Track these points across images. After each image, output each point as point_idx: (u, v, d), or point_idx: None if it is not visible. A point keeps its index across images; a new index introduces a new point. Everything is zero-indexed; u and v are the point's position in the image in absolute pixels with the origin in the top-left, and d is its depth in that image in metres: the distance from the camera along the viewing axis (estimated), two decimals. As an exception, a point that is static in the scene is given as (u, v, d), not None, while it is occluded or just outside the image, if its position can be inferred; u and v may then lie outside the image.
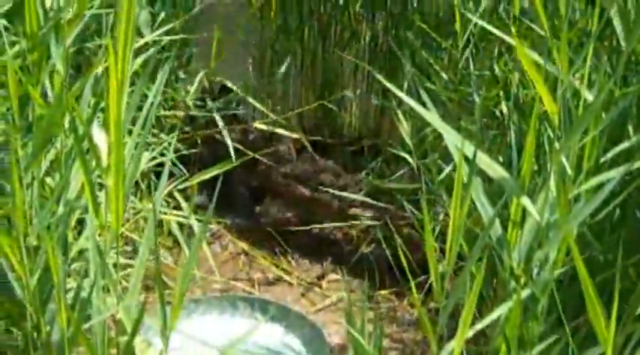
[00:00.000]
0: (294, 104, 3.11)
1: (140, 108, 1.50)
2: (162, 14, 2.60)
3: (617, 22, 1.43)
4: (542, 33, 1.46)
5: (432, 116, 1.33)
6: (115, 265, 1.47)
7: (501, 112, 2.28)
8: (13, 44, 1.52)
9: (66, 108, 1.33)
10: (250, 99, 2.87)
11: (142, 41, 2.07)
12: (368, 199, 2.60)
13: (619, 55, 1.59)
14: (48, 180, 1.54)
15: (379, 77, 1.51)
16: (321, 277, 2.63)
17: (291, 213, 2.80)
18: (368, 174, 2.84)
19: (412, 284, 1.30)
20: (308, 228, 2.75)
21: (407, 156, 2.52)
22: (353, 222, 2.73)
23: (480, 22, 1.67)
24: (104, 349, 1.46)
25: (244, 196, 2.91)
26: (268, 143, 2.92)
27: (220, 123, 2.75)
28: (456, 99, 2.45)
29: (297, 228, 2.76)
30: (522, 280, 1.39)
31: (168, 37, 2.51)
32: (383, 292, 2.55)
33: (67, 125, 1.54)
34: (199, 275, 2.56)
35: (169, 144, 2.34)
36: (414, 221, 2.50)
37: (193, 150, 2.76)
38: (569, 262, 1.50)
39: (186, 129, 2.79)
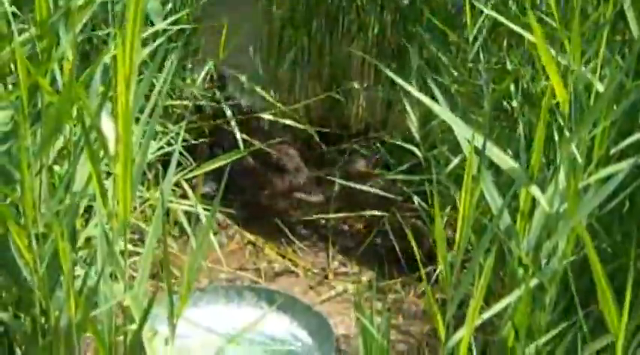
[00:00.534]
0: (300, 96, 3.11)
1: (148, 98, 1.50)
2: (170, 4, 2.60)
3: (630, 14, 1.43)
4: (555, 24, 1.46)
5: (440, 108, 1.33)
6: (122, 253, 1.47)
7: (510, 105, 2.28)
8: (21, 31, 1.51)
9: (75, 97, 1.33)
10: (258, 90, 2.87)
11: (150, 30, 2.06)
12: (376, 190, 2.60)
13: (631, 46, 1.59)
14: (56, 168, 1.54)
15: (387, 71, 1.50)
16: (327, 268, 2.63)
17: (297, 204, 2.81)
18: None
19: (422, 272, 1.30)
20: (314, 217, 2.75)
21: (414, 149, 2.52)
22: (360, 213, 2.73)
23: (492, 14, 1.66)
24: (111, 336, 1.46)
25: (251, 187, 2.91)
26: (275, 134, 2.92)
27: (228, 114, 2.75)
28: (465, 92, 2.44)
29: (303, 218, 2.76)
30: (531, 270, 1.39)
31: (176, 27, 2.50)
32: (389, 283, 2.55)
33: (75, 113, 1.54)
34: (206, 264, 2.56)
35: (177, 133, 2.34)
36: (421, 213, 2.49)
37: (201, 140, 2.76)
38: (578, 252, 1.50)
39: (194, 118, 2.79)
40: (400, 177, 2.52)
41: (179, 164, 2.54)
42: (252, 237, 2.73)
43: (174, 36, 2.65)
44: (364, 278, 2.59)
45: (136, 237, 2.35)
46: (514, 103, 2.17)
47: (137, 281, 1.47)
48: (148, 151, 1.40)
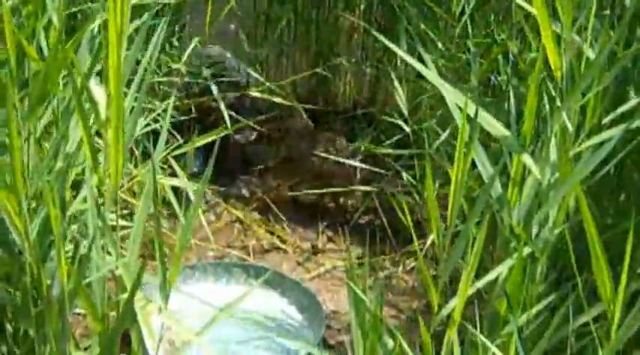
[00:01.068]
0: (288, 72, 3.10)
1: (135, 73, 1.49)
2: (155, -22, 2.57)
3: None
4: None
5: (431, 74, 1.32)
6: (114, 223, 1.46)
7: (497, 79, 2.28)
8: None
9: (62, 63, 1.32)
10: (244, 67, 2.85)
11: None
12: (364, 165, 2.60)
13: (623, 14, 1.58)
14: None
15: (380, 37, 1.49)
16: (315, 245, 2.63)
17: (286, 181, 2.80)
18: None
19: (416, 244, 1.29)
20: (302, 193, 2.75)
21: (402, 123, 2.52)
22: (348, 188, 2.72)
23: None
24: (103, 307, 1.46)
25: (239, 164, 2.90)
26: (263, 111, 2.91)
27: (215, 91, 2.74)
28: (452, 67, 2.44)
29: (291, 194, 2.75)
30: (523, 239, 1.39)
31: (162, 1, 2.48)
32: (378, 259, 2.55)
33: (61, 82, 1.53)
34: (194, 242, 2.55)
35: (164, 111, 2.32)
36: (409, 188, 2.49)
37: (187, 117, 2.74)
38: (570, 221, 1.50)
39: (180, 96, 2.78)
40: (389, 151, 2.52)
41: (167, 141, 2.54)
42: (240, 214, 2.72)
43: (159, 11, 2.63)
44: (353, 255, 2.59)
45: (125, 212, 2.34)
46: (503, 77, 2.17)
47: (128, 250, 1.47)
48: (138, 121, 1.39)
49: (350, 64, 3.06)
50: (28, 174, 1.33)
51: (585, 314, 1.44)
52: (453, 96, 1.30)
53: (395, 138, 2.58)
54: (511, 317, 1.45)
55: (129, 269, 1.46)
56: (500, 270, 1.40)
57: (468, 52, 2.39)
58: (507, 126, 1.80)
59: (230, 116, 2.68)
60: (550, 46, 1.23)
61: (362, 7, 2.97)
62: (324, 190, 2.74)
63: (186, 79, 2.75)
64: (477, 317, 1.59)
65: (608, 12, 1.74)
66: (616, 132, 1.33)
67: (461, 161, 1.22)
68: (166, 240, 2.47)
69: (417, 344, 1.56)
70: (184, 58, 2.67)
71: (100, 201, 1.53)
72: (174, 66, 2.66)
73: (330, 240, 2.66)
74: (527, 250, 1.42)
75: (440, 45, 2.49)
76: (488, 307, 1.53)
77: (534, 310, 1.49)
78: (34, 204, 1.39)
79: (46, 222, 1.37)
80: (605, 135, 1.40)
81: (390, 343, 1.46)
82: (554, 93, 1.37)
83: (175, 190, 2.39)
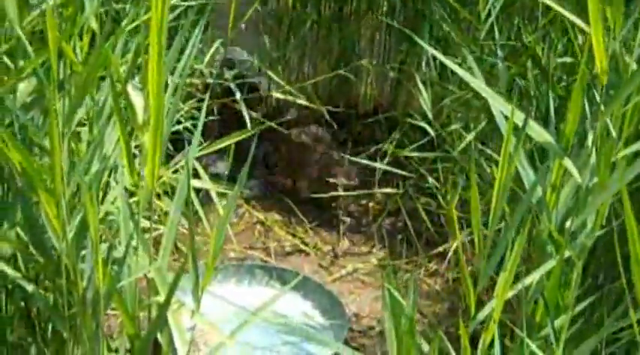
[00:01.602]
0: (309, 74, 3.09)
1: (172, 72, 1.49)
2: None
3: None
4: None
5: (477, 81, 1.31)
6: (147, 217, 1.46)
7: (522, 82, 2.27)
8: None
9: (103, 64, 1.31)
10: (266, 69, 2.85)
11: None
12: (388, 168, 2.58)
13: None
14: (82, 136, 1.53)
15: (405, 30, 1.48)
16: (337, 247, 2.62)
17: (307, 183, 2.79)
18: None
19: (457, 242, 1.28)
20: (325, 196, 2.74)
21: (426, 126, 2.50)
22: (371, 191, 2.72)
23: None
24: (135, 308, 1.45)
25: (261, 166, 2.90)
26: (285, 112, 2.91)
27: (237, 92, 2.73)
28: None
29: (313, 196, 2.75)
30: (563, 243, 1.37)
31: (185, 3, 2.47)
32: (399, 262, 2.54)
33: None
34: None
35: (198, 109, 2.32)
36: (433, 191, 2.49)
37: (210, 119, 2.74)
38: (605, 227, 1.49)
39: (203, 97, 2.77)
40: (415, 154, 2.51)
41: (188, 143, 2.53)
42: (261, 216, 2.71)
43: (182, 14, 2.63)
44: (374, 258, 2.58)
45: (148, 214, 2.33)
46: (529, 80, 2.16)
47: (161, 253, 1.46)
48: (172, 122, 1.38)
49: (372, 67, 3.05)
50: (66, 175, 1.32)
51: (632, 316, 1.43)
52: (499, 103, 1.29)
53: (419, 141, 2.57)
54: (548, 322, 1.44)
55: (162, 273, 1.45)
56: (540, 274, 1.38)
57: (493, 54, 2.38)
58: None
59: (251, 118, 2.67)
60: (601, 51, 1.21)
61: (385, 8, 2.96)
62: (346, 193, 2.73)
63: (208, 81, 2.74)
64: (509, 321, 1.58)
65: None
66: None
67: (504, 167, 1.22)
68: (186, 240, 2.46)
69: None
70: (207, 59, 2.66)
71: (134, 199, 1.52)
72: (197, 67, 2.65)
73: (351, 242, 2.65)
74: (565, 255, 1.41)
75: (464, 47, 2.48)
76: (523, 311, 1.51)
77: (570, 315, 1.47)
78: (70, 202, 1.38)
79: (82, 223, 1.36)
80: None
81: (425, 346, 1.45)
82: (598, 97, 1.35)
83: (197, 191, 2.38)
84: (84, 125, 1.68)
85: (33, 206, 1.42)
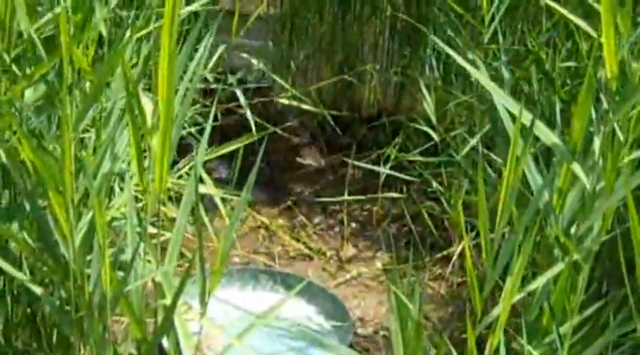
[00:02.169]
0: (313, 79, 3.09)
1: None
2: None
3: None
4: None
5: (486, 81, 1.31)
6: (153, 224, 1.46)
7: (526, 87, 2.27)
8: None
9: (113, 69, 1.32)
10: (270, 73, 2.85)
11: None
12: (392, 172, 2.58)
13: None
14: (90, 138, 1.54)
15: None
16: (341, 252, 2.62)
17: (311, 187, 2.80)
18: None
19: (466, 244, 1.28)
20: (328, 200, 2.74)
21: (430, 131, 2.51)
22: (374, 195, 2.72)
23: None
24: (141, 312, 1.45)
25: (264, 170, 2.90)
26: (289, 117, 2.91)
27: (241, 97, 2.74)
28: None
29: (318, 199, 2.75)
30: (570, 248, 1.38)
31: (190, 8, 2.48)
32: (404, 266, 2.54)
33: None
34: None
35: (201, 114, 2.32)
36: (437, 195, 2.49)
37: (214, 124, 2.74)
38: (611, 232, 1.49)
39: (206, 103, 2.78)
40: (419, 158, 2.51)
41: (191, 147, 2.53)
42: (265, 220, 2.71)
43: (186, 19, 2.63)
44: (379, 262, 2.58)
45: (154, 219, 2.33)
46: (534, 84, 2.16)
47: (167, 258, 1.46)
48: (181, 127, 1.39)
49: (375, 71, 3.06)
50: (75, 178, 1.32)
51: (636, 319, 1.43)
52: (508, 105, 1.30)
53: (423, 145, 2.57)
54: (553, 327, 1.44)
55: (169, 278, 1.45)
56: (547, 278, 1.39)
57: (496, 59, 2.38)
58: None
59: (255, 122, 2.68)
60: (611, 56, 1.21)
61: (388, 13, 2.96)
62: (351, 197, 2.74)
63: (212, 86, 2.74)
64: (516, 326, 1.58)
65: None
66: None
67: (512, 170, 1.22)
68: (189, 244, 2.46)
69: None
70: (211, 64, 2.66)
71: (142, 203, 1.53)
72: (201, 72, 2.65)
73: (355, 247, 2.65)
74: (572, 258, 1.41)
75: (468, 52, 2.48)
76: (528, 315, 1.52)
77: (577, 319, 1.48)
78: (79, 206, 1.39)
79: (89, 228, 1.37)
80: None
81: (431, 350, 1.45)
82: (606, 101, 1.36)
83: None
84: (87, 131, 1.69)
85: (41, 210, 1.42)
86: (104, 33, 1.43)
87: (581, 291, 1.50)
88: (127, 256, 1.43)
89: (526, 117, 1.24)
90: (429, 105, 2.48)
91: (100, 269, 1.36)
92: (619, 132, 1.31)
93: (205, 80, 2.76)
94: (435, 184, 2.48)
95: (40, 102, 1.46)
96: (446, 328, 2.30)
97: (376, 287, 2.50)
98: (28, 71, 1.44)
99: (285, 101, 2.83)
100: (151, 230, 1.61)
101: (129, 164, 1.58)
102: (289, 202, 2.78)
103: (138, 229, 1.46)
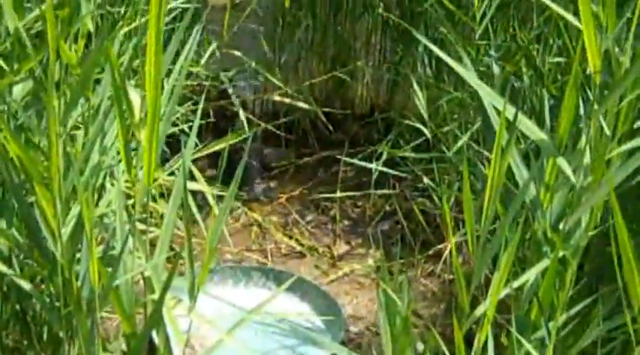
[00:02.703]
0: (305, 76, 3.09)
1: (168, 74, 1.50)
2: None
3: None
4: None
5: (471, 77, 1.32)
6: (144, 222, 1.46)
7: (517, 83, 2.28)
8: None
9: (99, 63, 1.32)
10: (262, 71, 2.85)
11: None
12: (385, 169, 2.58)
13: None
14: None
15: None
16: (333, 249, 2.62)
17: (304, 184, 2.80)
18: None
19: (452, 241, 1.28)
20: (321, 197, 2.74)
21: (421, 127, 2.51)
22: (367, 192, 2.72)
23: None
24: (131, 307, 1.45)
25: (256, 167, 2.90)
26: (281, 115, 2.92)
27: (233, 95, 2.74)
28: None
29: (310, 198, 2.75)
30: (557, 243, 1.38)
31: (182, 5, 2.48)
32: (396, 263, 2.54)
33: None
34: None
35: (194, 112, 2.32)
36: (429, 191, 2.49)
37: (205, 121, 2.74)
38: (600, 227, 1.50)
39: (198, 100, 2.77)
40: (411, 155, 2.52)
41: (184, 144, 2.53)
42: (258, 218, 2.71)
43: (178, 17, 2.63)
44: (371, 259, 2.58)
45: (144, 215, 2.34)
46: (524, 80, 2.17)
47: (157, 251, 1.47)
48: (170, 121, 1.39)
49: (368, 68, 3.06)
50: (62, 174, 1.32)
51: (625, 314, 1.43)
52: (492, 99, 1.30)
53: (414, 141, 2.58)
54: (542, 322, 1.44)
55: (158, 272, 1.45)
56: (534, 273, 1.39)
57: (488, 55, 2.39)
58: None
59: (247, 119, 2.68)
60: (593, 49, 1.22)
61: (380, 10, 2.96)
62: (343, 194, 2.74)
63: (204, 83, 2.74)
64: (503, 321, 1.59)
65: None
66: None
67: (497, 164, 1.22)
68: (183, 241, 2.46)
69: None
70: (203, 61, 2.66)
71: (127, 203, 1.53)
72: (193, 69, 2.65)
73: (348, 243, 2.66)
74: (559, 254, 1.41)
75: (459, 48, 2.49)
76: (517, 311, 1.52)
77: (565, 315, 1.48)
78: (66, 201, 1.39)
79: (77, 223, 1.37)
80: (638, 141, 1.39)
81: (420, 346, 1.45)
82: (591, 95, 1.36)
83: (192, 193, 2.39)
84: (78, 128, 1.69)
85: (29, 205, 1.42)
86: (91, 28, 1.42)
87: (570, 286, 1.50)
88: (115, 251, 1.43)
89: (510, 112, 1.24)
90: (420, 102, 2.48)
91: (88, 263, 1.36)
92: (605, 127, 1.31)
93: (198, 77, 2.76)
94: (426, 181, 2.48)
95: (28, 98, 1.46)
96: (437, 324, 2.30)
97: (368, 284, 2.50)
98: (15, 66, 1.44)
99: (277, 98, 2.83)
100: (141, 226, 1.62)
101: (120, 161, 1.58)
102: (282, 199, 2.78)
103: (127, 225, 1.46)
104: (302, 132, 3.04)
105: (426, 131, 2.49)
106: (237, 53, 2.90)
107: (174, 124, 2.43)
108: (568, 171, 1.34)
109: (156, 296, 1.41)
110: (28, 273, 1.53)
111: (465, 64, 1.38)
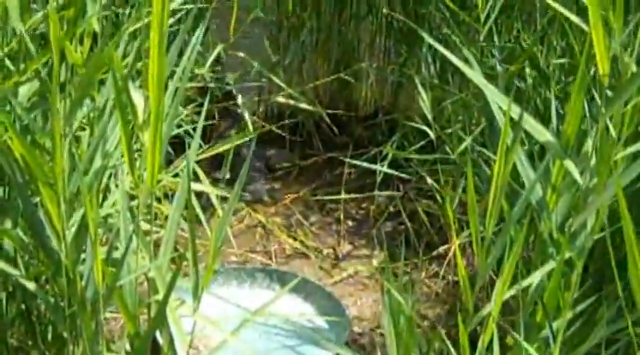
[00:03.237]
0: (309, 78, 3.09)
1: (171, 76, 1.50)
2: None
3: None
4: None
5: (476, 76, 1.32)
6: (146, 226, 1.46)
7: (520, 83, 2.28)
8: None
9: (104, 64, 1.32)
10: (266, 72, 2.86)
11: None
12: (389, 170, 2.58)
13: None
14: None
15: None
16: (337, 250, 2.62)
17: (308, 186, 2.80)
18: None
19: (456, 242, 1.28)
20: (325, 198, 2.75)
21: (426, 129, 2.51)
22: (371, 194, 2.72)
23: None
24: (135, 308, 1.45)
25: (260, 169, 2.91)
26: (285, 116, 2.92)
27: (238, 96, 2.74)
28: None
29: (314, 199, 2.75)
30: (563, 244, 1.38)
31: (185, 7, 2.48)
32: (400, 264, 2.54)
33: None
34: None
35: (199, 113, 2.32)
36: (434, 192, 2.49)
37: (210, 123, 2.75)
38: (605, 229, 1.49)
39: (203, 101, 2.78)
40: (415, 156, 2.52)
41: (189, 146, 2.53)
42: (262, 219, 2.72)
43: (183, 18, 2.64)
44: (375, 260, 2.58)
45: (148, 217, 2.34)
46: (528, 81, 2.17)
47: (161, 252, 1.47)
48: (174, 122, 1.39)
49: (372, 69, 3.06)
50: (67, 174, 1.33)
51: (627, 317, 1.43)
52: (498, 98, 1.30)
53: (419, 143, 2.58)
54: (547, 324, 1.44)
55: (161, 272, 1.45)
56: (540, 275, 1.39)
57: (492, 56, 2.39)
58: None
59: (252, 121, 2.68)
60: (602, 52, 1.21)
61: (384, 11, 2.96)
62: (347, 195, 2.74)
63: (209, 84, 2.75)
64: (509, 322, 1.58)
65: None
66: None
67: (502, 164, 1.22)
68: (186, 243, 2.46)
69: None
70: (208, 63, 2.67)
71: (131, 204, 1.53)
72: (198, 71, 2.66)
73: (352, 245, 2.66)
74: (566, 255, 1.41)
75: (464, 49, 2.49)
76: (522, 312, 1.52)
77: (570, 316, 1.48)
78: (71, 201, 1.39)
79: (81, 224, 1.37)
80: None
81: (425, 347, 1.45)
82: (598, 97, 1.36)
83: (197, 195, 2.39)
84: (84, 129, 1.69)
85: (34, 206, 1.43)
86: (97, 29, 1.43)
87: (575, 288, 1.50)
88: (120, 252, 1.43)
89: (515, 111, 1.24)
90: (425, 104, 2.48)
91: (92, 264, 1.36)
92: (612, 129, 1.31)
93: (203, 79, 2.77)
94: (430, 182, 2.48)
95: (35, 98, 1.47)
96: (442, 325, 2.30)
97: (372, 285, 2.50)
98: (22, 67, 1.44)
99: (282, 100, 2.83)
100: (146, 227, 1.62)
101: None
102: (286, 200, 2.78)
103: (131, 225, 1.46)
104: (306, 134, 3.04)
105: (430, 132, 2.49)
106: (242, 54, 2.90)
107: (179, 126, 2.43)
108: (575, 172, 1.34)
109: (160, 296, 1.41)
110: (33, 273, 1.54)
111: (471, 64, 1.38)
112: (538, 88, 2.12)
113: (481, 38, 2.45)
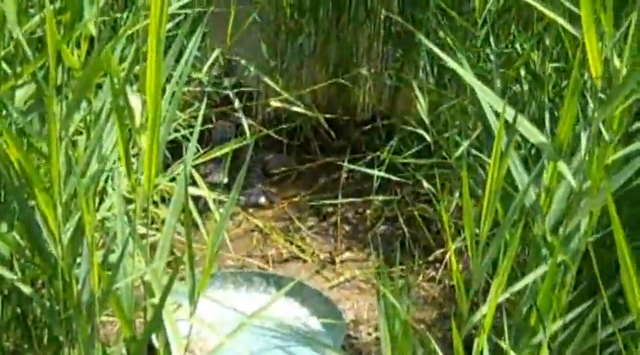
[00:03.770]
0: (307, 83, 3.10)
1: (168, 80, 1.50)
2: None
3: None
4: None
5: (470, 77, 1.32)
6: (143, 230, 1.46)
7: (516, 88, 2.28)
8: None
9: (101, 68, 1.33)
10: (264, 77, 2.86)
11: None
12: (386, 175, 2.59)
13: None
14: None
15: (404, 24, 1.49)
16: (334, 254, 2.63)
17: (305, 190, 2.81)
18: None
19: (452, 247, 1.29)
20: (322, 202, 2.75)
21: (423, 133, 2.52)
22: (368, 198, 2.73)
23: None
24: (130, 311, 1.46)
25: (258, 174, 2.91)
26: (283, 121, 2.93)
27: (235, 101, 2.75)
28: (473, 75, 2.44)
29: (311, 203, 2.76)
30: (556, 247, 1.38)
31: (183, 11, 2.49)
32: (396, 269, 2.55)
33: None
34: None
35: (196, 118, 2.33)
36: (430, 197, 2.50)
37: (207, 127, 2.75)
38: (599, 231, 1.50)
39: (201, 105, 2.78)
40: (412, 161, 2.52)
41: (186, 150, 2.54)
42: (259, 223, 2.72)
43: (181, 22, 2.64)
44: (372, 264, 2.59)
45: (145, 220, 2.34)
46: (524, 86, 2.17)
47: (157, 256, 1.47)
48: (171, 126, 1.40)
49: (369, 74, 3.06)
50: (63, 178, 1.33)
51: (613, 324, 1.44)
52: (492, 100, 1.30)
53: (416, 147, 2.58)
54: (540, 327, 1.45)
55: (157, 276, 1.46)
56: (533, 278, 1.39)
57: (489, 61, 2.39)
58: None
59: (249, 126, 2.69)
60: (594, 55, 1.22)
61: (382, 16, 2.97)
62: (344, 200, 2.75)
63: (207, 89, 2.75)
64: (504, 326, 1.59)
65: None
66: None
67: (496, 167, 1.22)
68: (183, 248, 2.46)
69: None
70: (205, 68, 2.67)
71: (128, 207, 1.53)
72: (195, 75, 2.66)
73: (349, 249, 2.66)
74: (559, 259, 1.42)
75: (460, 54, 2.49)
76: (516, 316, 1.52)
77: (562, 321, 1.48)
78: (67, 205, 1.39)
79: (77, 227, 1.37)
80: (634, 146, 1.40)
81: (420, 350, 1.46)
82: (591, 100, 1.36)
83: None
84: (81, 133, 1.69)
85: (30, 209, 1.43)
86: (94, 32, 1.43)
87: (569, 291, 1.50)
88: (116, 256, 1.43)
89: (510, 114, 1.25)
90: (422, 108, 2.49)
91: (88, 267, 1.37)
92: (604, 132, 1.32)
93: (201, 83, 2.77)
94: (427, 186, 2.49)
95: (31, 102, 1.47)
96: (438, 329, 2.30)
97: (369, 289, 2.50)
98: (18, 70, 1.44)
99: (279, 104, 2.84)
100: (142, 230, 1.62)
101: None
102: (283, 205, 2.78)
103: (127, 229, 1.46)
104: (304, 139, 3.05)
105: (427, 137, 2.49)
106: (240, 59, 2.91)
107: (176, 130, 2.44)
108: (568, 175, 1.34)
109: (156, 300, 1.41)
110: (29, 277, 1.54)
111: (464, 66, 1.39)
112: (534, 92, 2.13)
113: (478, 43, 2.46)
